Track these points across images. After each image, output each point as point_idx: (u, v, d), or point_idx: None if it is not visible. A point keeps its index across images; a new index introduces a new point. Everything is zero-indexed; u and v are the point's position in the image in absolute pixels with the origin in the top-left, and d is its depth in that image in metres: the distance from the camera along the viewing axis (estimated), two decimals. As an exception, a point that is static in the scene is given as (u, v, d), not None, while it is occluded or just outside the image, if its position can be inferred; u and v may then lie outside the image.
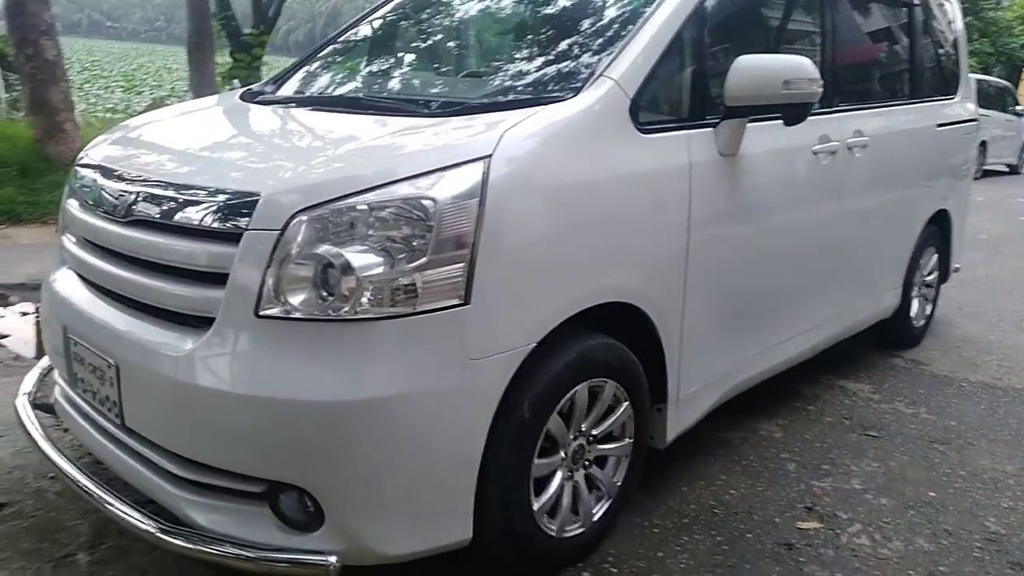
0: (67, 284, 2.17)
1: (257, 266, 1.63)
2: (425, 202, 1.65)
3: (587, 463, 2.15)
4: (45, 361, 2.49)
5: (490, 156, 1.75)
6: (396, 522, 1.71)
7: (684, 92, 2.34)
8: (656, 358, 2.27)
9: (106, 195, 2.00)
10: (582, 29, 2.44)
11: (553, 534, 2.04)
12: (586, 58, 2.26)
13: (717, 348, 2.55)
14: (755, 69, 2.24)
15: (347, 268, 1.60)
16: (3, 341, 3.82)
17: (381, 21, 3.24)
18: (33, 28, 7.34)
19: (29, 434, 2.15)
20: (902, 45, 3.77)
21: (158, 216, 1.82)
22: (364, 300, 1.60)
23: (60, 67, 7.67)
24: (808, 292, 3.08)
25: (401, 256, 1.62)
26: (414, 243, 1.63)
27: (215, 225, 1.71)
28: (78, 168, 2.28)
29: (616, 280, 2.07)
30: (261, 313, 1.63)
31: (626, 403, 2.17)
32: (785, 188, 2.75)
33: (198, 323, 1.74)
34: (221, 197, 1.74)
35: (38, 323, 2.57)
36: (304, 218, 1.63)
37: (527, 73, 2.38)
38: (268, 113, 2.46)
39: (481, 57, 3.00)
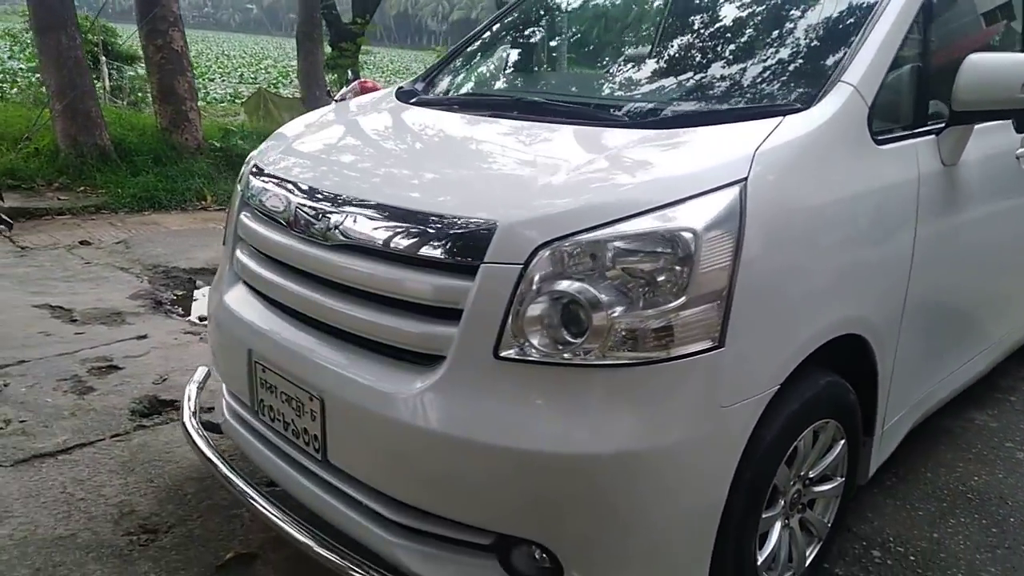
0: (248, 303, 2.04)
1: (497, 303, 1.49)
2: (684, 234, 1.47)
3: (802, 507, 1.99)
4: (199, 375, 2.44)
5: (746, 179, 1.56)
6: None
7: (909, 96, 2.13)
8: (866, 389, 2.09)
9: (304, 214, 1.82)
10: (802, 21, 2.21)
11: None
12: (814, 58, 2.05)
13: (921, 372, 2.39)
14: (990, 70, 2.01)
15: (598, 307, 1.45)
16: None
17: (544, 7, 3.03)
18: (163, 19, 7.60)
19: (215, 464, 2.03)
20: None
21: (373, 243, 1.66)
22: (614, 343, 1.45)
23: (187, 57, 7.94)
24: (1000, 304, 2.93)
25: (656, 295, 1.46)
26: (670, 280, 1.47)
27: (444, 256, 1.56)
28: (253, 179, 2.12)
29: (850, 310, 1.89)
30: (501, 355, 1.50)
31: (842, 441, 2.02)
32: (994, 197, 2.56)
33: (417, 359, 1.61)
34: (450, 225, 1.57)
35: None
36: (548, 252, 1.48)
37: (737, 75, 2.13)
38: (451, 120, 2.27)
39: (673, 54, 2.63)
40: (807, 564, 2.05)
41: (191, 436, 2.15)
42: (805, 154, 1.74)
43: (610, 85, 2.44)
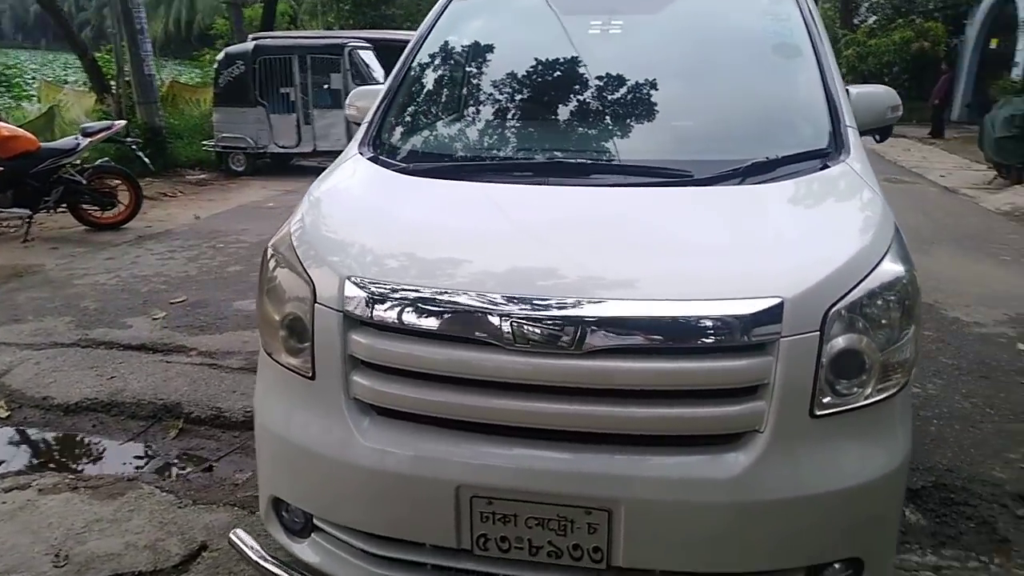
0: (429, 437, 1.80)
1: (805, 371, 1.67)
2: (903, 278, 1.81)
3: None
4: (248, 543, 2.06)
5: (896, 224, 1.97)
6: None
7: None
8: None
9: (531, 329, 1.68)
10: (779, 74, 2.61)
11: None
12: (812, 104, 2.38)
13: None
14: (869, 99, 2.58)
15: (874, 353, 1.73)
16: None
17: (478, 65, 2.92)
18: None
19: None
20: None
21: (646, 344, 1.68)
22: (891, 378, 1.76)
23: None
24: None
25: (902, 329, 1.78)
26: (905, 316, 1.79)
27: (740, 340, 1.66)
28: (370, 294, 1.81)
29: None
30: (817, 414, 1.70)
31: None
32: None
33: (709, 440, 1.71)
34: (732, 311, 1.66)
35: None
36: (834, 315, 1.70)
37: (756, 131, 2.42)
38: (571, 195, 2.15)
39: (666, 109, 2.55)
40: None
41: None
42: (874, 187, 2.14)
43: (640, 139, 2.49)
